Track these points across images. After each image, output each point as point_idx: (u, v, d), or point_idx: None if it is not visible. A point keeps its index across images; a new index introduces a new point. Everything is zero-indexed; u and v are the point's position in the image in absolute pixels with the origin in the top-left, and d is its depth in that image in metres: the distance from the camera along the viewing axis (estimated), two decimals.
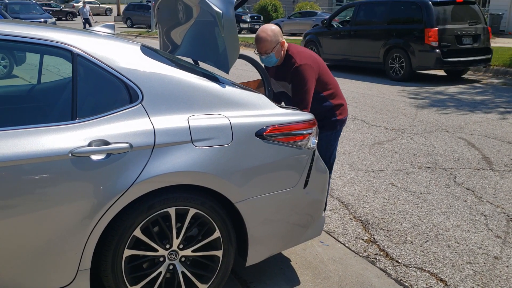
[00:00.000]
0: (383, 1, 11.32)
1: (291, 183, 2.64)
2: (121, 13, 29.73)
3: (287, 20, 26.97)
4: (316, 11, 27.02)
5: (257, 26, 27.50)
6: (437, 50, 10.06)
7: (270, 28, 3.17)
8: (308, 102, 3.12)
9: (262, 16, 28.50)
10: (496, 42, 19.37)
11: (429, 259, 3.21)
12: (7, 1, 22.91)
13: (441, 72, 11.79)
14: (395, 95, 9.10)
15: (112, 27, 2.85)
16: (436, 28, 10.02)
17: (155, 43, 16.70)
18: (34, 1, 25.75)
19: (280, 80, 3.30)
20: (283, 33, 27.44)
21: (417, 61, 10.37)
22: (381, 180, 4.68)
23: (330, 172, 3.59)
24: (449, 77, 11.33)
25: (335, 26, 12.97)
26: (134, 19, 30.72)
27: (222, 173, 2.37)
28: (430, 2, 10.17)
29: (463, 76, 11.40)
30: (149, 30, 28.09)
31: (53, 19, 23.78)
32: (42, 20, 21.77)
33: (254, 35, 24.27)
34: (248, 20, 27.22)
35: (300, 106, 3.06)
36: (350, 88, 9.87)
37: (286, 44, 3.23)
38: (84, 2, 27.71)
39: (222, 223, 2.46)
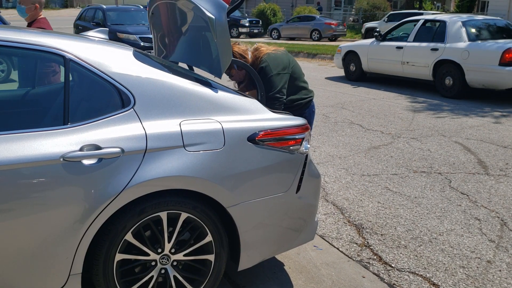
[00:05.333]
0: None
1: (283, 187, 2.65)
2: None
3: (285, 25, 27.05)
4: (314, 16, 27.10)
5: (255, 31, 27.57)
6: None
7: None
8: None
9: (260, 21, 28.55)
10: None
11: (422, 263, 3.22)
12: (104, 7, 15.41)
13: None
14: (392, 99, 9.13)
15: (105, 32, 2.87)
16: None
17: None
18: (141, 6, 17.25)
19: None
20: (282, 37, 27.51)
21: None
22: (376, 184, 4.69)
23: None
24: None
25: None
26: None
27: (214, 178, 2.38)
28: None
29: None
30: None
31: None
32: None
33: (252, 40, 24.36)
34: (247, 24, 27.27)
35: None
36: (348, 92, 9.90)
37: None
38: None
39: (214, 227, 2.47)
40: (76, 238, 2.14)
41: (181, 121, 2.37)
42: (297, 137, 2.67)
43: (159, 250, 2.38)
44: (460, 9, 28.76)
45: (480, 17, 10.59)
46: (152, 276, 2.40)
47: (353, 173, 5.03)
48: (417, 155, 5.61)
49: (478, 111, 8.09)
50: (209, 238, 2.48)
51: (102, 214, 2.16)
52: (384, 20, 24.13)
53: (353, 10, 34.83)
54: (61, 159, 2.09)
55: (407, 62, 10.08)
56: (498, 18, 11.13)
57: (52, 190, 2.08)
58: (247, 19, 28.01)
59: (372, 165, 5.29)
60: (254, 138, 2.51)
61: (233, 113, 2.53)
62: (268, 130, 2.57)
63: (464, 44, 9.12)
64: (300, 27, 26.03)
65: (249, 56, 3.42)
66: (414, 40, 10.11)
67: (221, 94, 2.56)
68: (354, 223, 3.85)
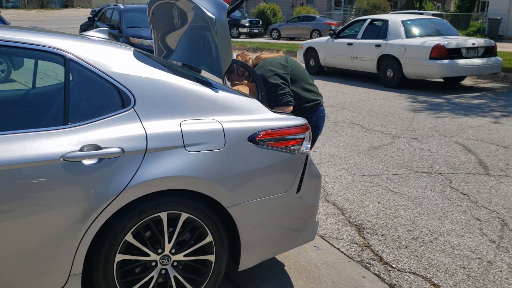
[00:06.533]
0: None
1: (284, 187, 2.64)
2: None
3: (285, 25, 27.03)
4: (314, 16, 27.09)
5: (255, 31, 27.54)
6: None
7: None
8: None
9: (260, 21, 28.55)
10: None
11: (423, 264, 3.21)
12: (122, 8, 13.84)
13: None
14: (393, 100, 9.13)
15: (105, 32, 2.86)
16: None
17: None
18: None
19: None
20: (282, 37, 27.49)
21: None
22: (377, 184, 4.68)
23: None
24: None
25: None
26: None
27: (215, 178, 2.38)
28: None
29: None
30: None
31: None
32: None
33: (252, 40, 24.30)
34: (247, 24, 27.26)
35: None
36: (348, 91, 9.90)
37: None
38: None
39: (215, 227, 2.47)
40: (76, 239, 2.14)
41: (181, 121, 2.36)
42: (297, 137, 2.67)
43: (160, 251, 2.38)
44: (460, 9, 28.75)
45: (419, 16, 11.91)
46: (153, 277, 2.39)
47: (353, 173, 5.03)
48: (418, 156, 5.61)
49: (478, 111, 8.09)
50: (209, 238, 2.47)
51: (102, 215, 2.16)
52: None
53: (353, 10, 34.83)
54: (61, 159, 2.08)
55: (356, 57, 11.37)
56: (436, 18, 12.61)
57: (52, 190, 2.08)
58: (247, 19, 27.99)
59: (372, 165, 5.28)
60: (254, 138, 2.50)
61: (234, 113, 2.53)
62: (269, 130, 2.56)
63: (402, 40, 10.39)
64: (300, 27, 26.02)
65: (249, 64, 3.47)
66: (362, 38, 11.34)
67: (221, 94, 2.55)
68: (355, 223, 3.85)
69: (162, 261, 2.40)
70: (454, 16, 28.45)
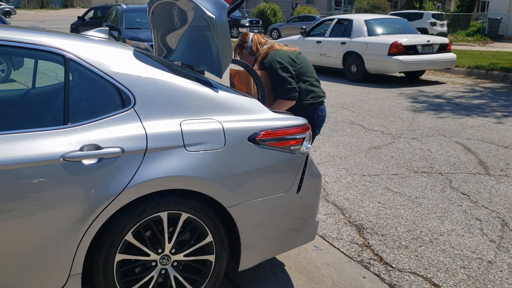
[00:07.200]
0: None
1: (284, 187, 2.64)
2: None
3: (285, 25, 27.04)
4: (314, 16, 27.10)
5: (255, 31, 27.54)
6: None
7: None
8: None
9: (260, 21, 28.54)
10: (495, 47, 19.43)
11: (423, 264, 3.21)
12: (124, 8, 12.99)
13: None
14: (393, 99, 9.13)
15: (105, 31, 2.86)
16: None
17: None
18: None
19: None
20: (282, 37, 27.52)
21: None
22: (377, 184, 4.68)
23: None
24: None
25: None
26: None
27: (215, 178, 2.38)
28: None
29: None
30: None
31: None
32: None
33: None
34: (247, 24, 27.25)
35: None
36: (349, 92, 9.89)
37: None
38: None
39: (215, 227, 2.46)
40: (76, 239, 2.14)
41: (181, 121, 2.36)
42: (297, 137, 2.67)
43: (160, 251, 2.38)
44: (460, 9, 28.76)
45: (381, 16, 13.04)
46: (153, 277, 2.39)
47: (353, 173, 5.03)
48: (418, 155, 5.60)
49: (479, 111, 8.09)
50: (209, 238, 2.47)
51: (102, 214, 2.16)
52: None
53: (353, 10, 34.84)
54: (61, 159, 2.08)
55: (324, 54, 12.30)
56: (398, 17, 13.37)
57: (52, 190, 2.08)
58: (247, 19, 27.98)
59: (372, 165, 5.28)
60: (254, 138, 2.50)
61: (234, 113, 2.52)
62: (269, 130, 2.56)
63: (364, 38, 11.29)
64: (300, 27, 26.02)
65: (262, 50, 3.56)
66: (330, 36, 12.26)
67: (221, 94, 2.55)
68: (355, 223, 3.84)
69: (162, 261, 2.39)
70: (454, 16, 28.46)
